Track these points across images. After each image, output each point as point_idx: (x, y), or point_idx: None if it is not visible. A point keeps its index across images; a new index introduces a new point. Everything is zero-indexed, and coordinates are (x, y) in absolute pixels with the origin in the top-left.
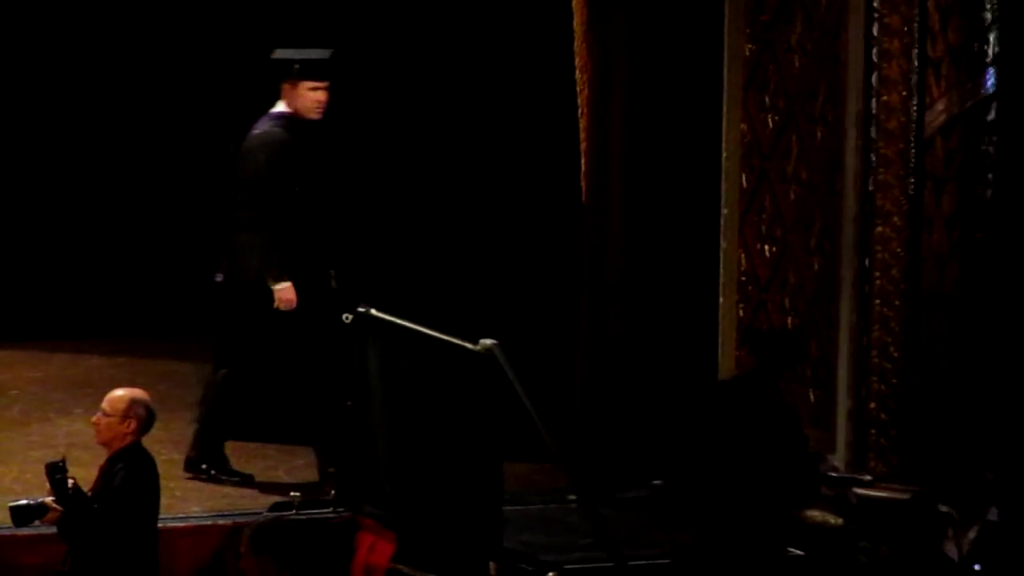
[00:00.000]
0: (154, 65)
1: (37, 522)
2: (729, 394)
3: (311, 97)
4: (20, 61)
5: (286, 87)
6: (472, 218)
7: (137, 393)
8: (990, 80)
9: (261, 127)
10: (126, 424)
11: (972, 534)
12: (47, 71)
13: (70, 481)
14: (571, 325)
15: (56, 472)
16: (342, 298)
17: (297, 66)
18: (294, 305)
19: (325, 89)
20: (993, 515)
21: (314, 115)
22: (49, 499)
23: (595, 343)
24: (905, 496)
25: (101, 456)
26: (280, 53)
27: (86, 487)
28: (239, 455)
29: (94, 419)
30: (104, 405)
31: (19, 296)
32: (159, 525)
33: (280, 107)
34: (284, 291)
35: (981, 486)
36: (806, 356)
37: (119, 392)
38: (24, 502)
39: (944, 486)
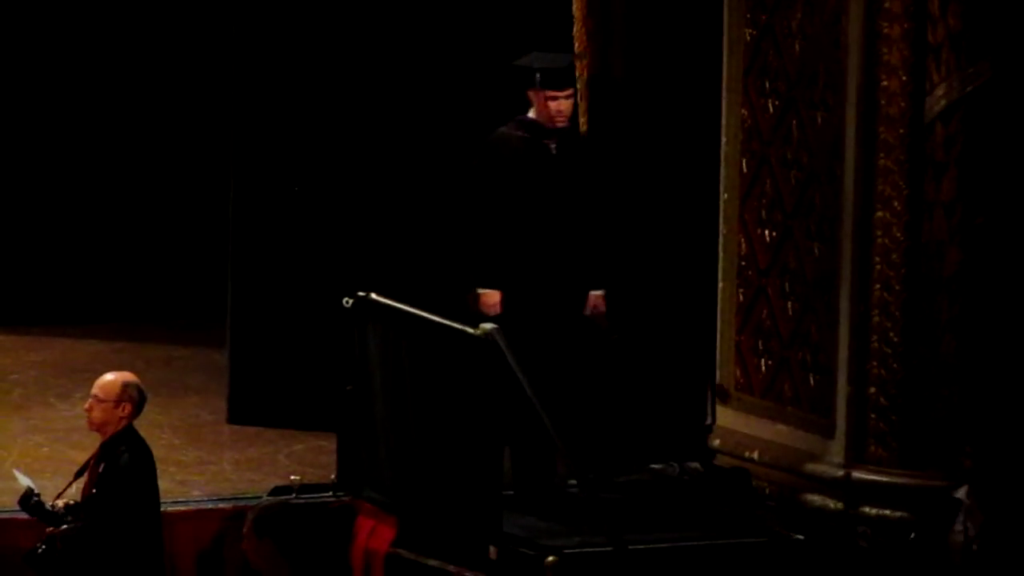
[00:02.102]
0: (153, 49)
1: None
2: None
3: (551, 106)
4: (19, 49)
5: (530, 94)
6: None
7: (128, 376)
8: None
9: (499, 130)
10: (121, 408)
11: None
12: (48, 59)
13: (49, 504)
14: None
15: (27, 502)
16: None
17: (538, 76)
18: (491, 313)
19: (566, 98)
20: (962, 494)
21: (556, 124)
22: (60, 503)
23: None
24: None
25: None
26: (523, 60)
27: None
28: (240, 438)
29: (86, 406)
30: (96, 391)
31: (19, 281)
32: (160, 509)
33: (530, 113)
34: (485, 296)
35: (959, 470)
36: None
37: (110, 376)
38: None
39: (945, 472)
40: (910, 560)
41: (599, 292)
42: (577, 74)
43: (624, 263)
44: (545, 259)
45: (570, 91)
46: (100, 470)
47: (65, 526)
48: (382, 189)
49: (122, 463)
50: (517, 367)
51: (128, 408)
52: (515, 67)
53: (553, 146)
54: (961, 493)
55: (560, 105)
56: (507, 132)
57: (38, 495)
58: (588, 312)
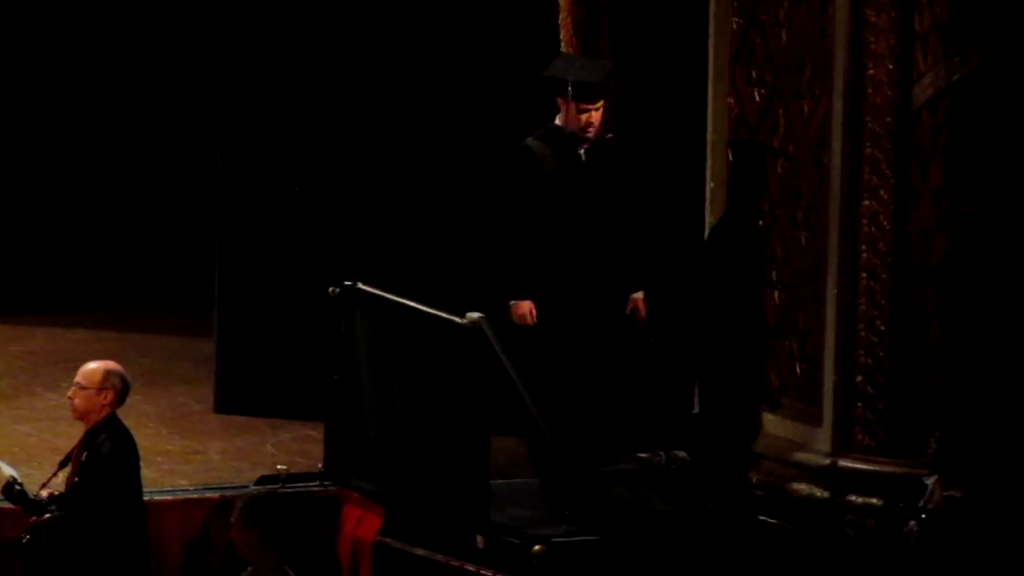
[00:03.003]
0: (140, 36)
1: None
2: None
3: (582, 118)
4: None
5: (560, 102)
6: (460, 191)
7: (111, 364)
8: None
9: (528, 140)
10: (103, 396)
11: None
12: (32, 46)
13: (34, 493)
14: None
15: (10, 491)
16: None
17: (570, 88)
18: (525, 323)
19: (596, 110)
20: (931, 483)
21: (586, 135)
22: (44, 493)
23: None
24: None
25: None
26: (553, 69)
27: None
28: (228, 428)
29: (69, 393)
30: (79, 379)
31: (7, 270)
32: (147, 499)
33: (557, 119)
34: (516, 307)
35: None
36: None
37: (93, 365)
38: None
39: (930, 460)
40: (892, 547)
41: (639, 294)
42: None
43: (659, 264)
44: (578, 266)
45: (601, 103)
46: (83, 459)
47: (48, 515)
48: (369, 178)
49: (104, 452)
50: (504, 356)
51: (110, 396)
52: (546, 76)
53: (582, 152)
54: (931, 481)
55: (591, 117)
56: (535, 142)
57: (20, 484)
58: (628, 312)
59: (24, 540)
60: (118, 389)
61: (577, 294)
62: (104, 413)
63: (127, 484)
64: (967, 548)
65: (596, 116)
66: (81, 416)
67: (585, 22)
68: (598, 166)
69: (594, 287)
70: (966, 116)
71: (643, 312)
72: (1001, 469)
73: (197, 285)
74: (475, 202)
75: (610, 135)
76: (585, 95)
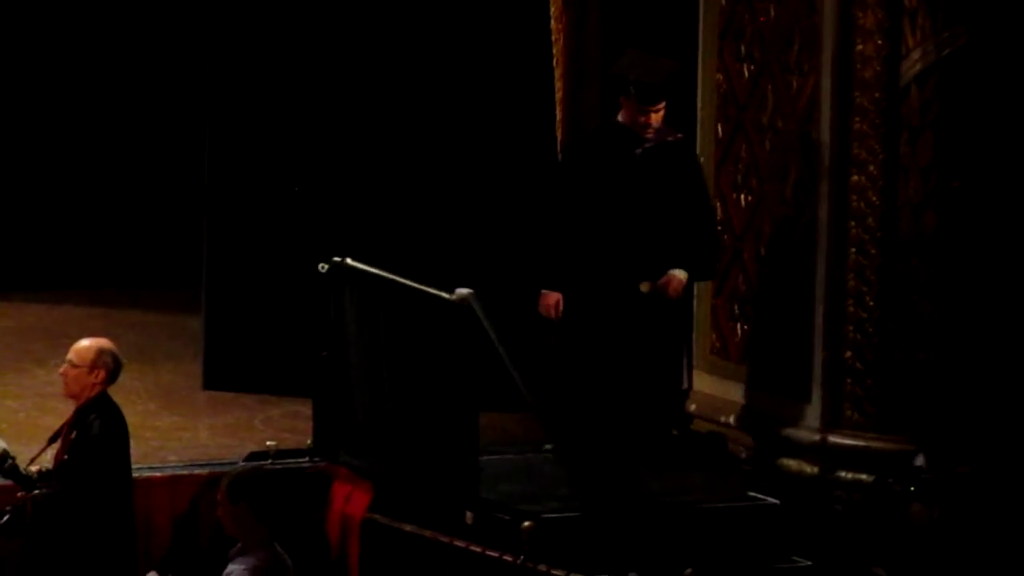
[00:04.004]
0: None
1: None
2: None
3: (641, 119)
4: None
5: (622, 101)
6: (448, 167)
7: (104, 343)
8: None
9: (588, 134)
10: (95, 374)
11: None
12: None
13: (26, 467)
14: None
15: (2, 465)
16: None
17: (632, 89)
18: (549, 316)
19: (656, 111)
20: (920, 461)
21: (646, 135)
22: (33, 469)
23: None
24: (882, 446)
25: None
26: (617, 67)
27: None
28: (216, 404)
29: (61, 370)
30: (71, 356)
31: None
32: (136, 475)
33: (619, 116)
34: (545, 297)
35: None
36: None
37: (85, 342)
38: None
39: (919, 436)
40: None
41: (682, 274)
42: (553, 39)
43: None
44: (617, 263)
45: (662, 104)
46: (72, 437)
47: (36, 492)
48: (357, 153)
49: (94, 432)
50: (492, 331)
51: (102, 375)
52: (610, 75)
53: (639, 152)
54: (919, 460)
55: (651, 118)
56: (593, 136)
57: (13, 459)
58: (660, 284)
59: (4, 518)
60: (110, 368)
61: (612, 290)
62: (95, 391)
63: (116, 464)
64: (979, 524)
65: (656, 117)
66: (73, 394)
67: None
68: (653, 166)
69: (628, 284)
70: (955, 91)
71: (679, 291)
72: (993, 444)
73: (185, 262)
74: (465, 179)
75: (680, 135)
76: (646, 96)
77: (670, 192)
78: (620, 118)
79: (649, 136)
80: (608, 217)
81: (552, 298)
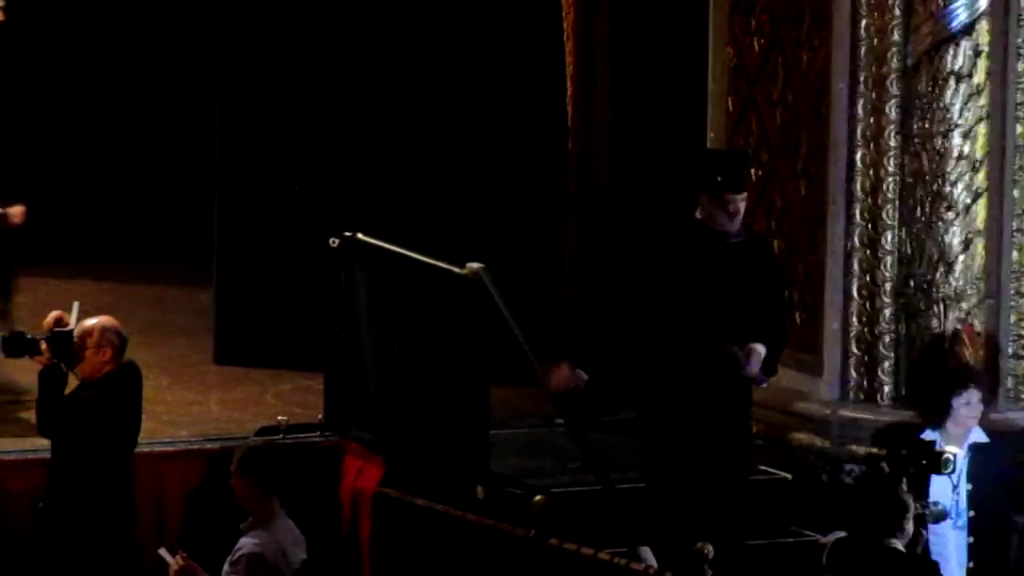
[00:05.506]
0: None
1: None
2: None
3: (729, 208)
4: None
5: (703, 196)
6: (461, 142)
7: (106, 320)
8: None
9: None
10: (101, 353)
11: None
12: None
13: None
14: (559, 249)
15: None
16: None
17: (719, 178)
18: (551, 385)
19: (742, 200)
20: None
21: (729, 227)
22: (43, 342)
23: (580, 288)
24: (893, 419)
25: None
26: (699, 163)
27: None
28: (227, 378)
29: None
30: (76, 336)
31: None
32: (147, 450)
33: (697, 212)
34: (559, 369)
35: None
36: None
37: (89, 323)
38: (20, 332)
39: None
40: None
41: (761, 348)
42: (564, 13)
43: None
44: (694, 359)
45: (746, 193)
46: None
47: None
48: (368, 129)
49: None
50: (503, 306)
51: (108, 353)
52: (691, 170)
53: (722, 248)
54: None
55: (736, 206)
56: (675, 230)
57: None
58: (738, 352)
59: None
60: (115, 345)
61: (689, 389)
62: (105, 370)
63: (121, 425)
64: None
65: (741, 206)
66: (85, 375)
67: None
68: (734, 263)
69: (706, 382)
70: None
71: (751, 364)
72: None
73: (197, 236)
74: (477, 153)
75: (749, 219)
76: (734, 185)
77: (748, 288)
78: (698, 215)
79: (731, 231)
80: (687, 311)
81: (567, 373)
